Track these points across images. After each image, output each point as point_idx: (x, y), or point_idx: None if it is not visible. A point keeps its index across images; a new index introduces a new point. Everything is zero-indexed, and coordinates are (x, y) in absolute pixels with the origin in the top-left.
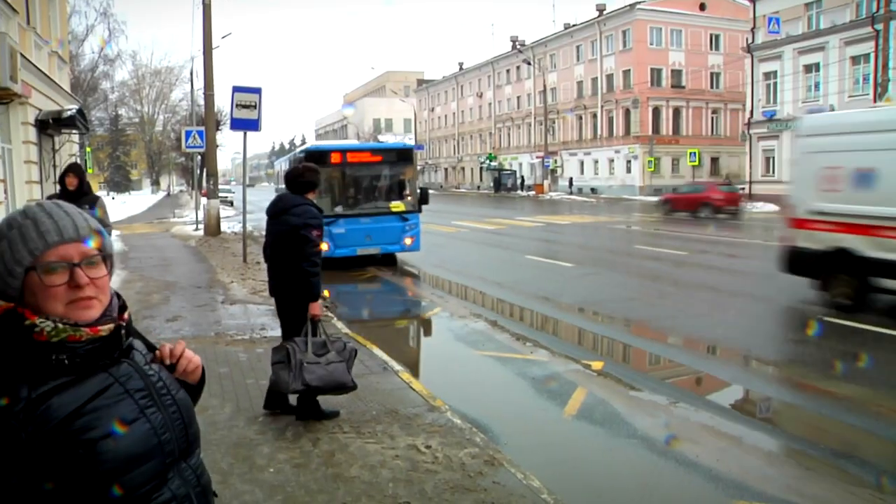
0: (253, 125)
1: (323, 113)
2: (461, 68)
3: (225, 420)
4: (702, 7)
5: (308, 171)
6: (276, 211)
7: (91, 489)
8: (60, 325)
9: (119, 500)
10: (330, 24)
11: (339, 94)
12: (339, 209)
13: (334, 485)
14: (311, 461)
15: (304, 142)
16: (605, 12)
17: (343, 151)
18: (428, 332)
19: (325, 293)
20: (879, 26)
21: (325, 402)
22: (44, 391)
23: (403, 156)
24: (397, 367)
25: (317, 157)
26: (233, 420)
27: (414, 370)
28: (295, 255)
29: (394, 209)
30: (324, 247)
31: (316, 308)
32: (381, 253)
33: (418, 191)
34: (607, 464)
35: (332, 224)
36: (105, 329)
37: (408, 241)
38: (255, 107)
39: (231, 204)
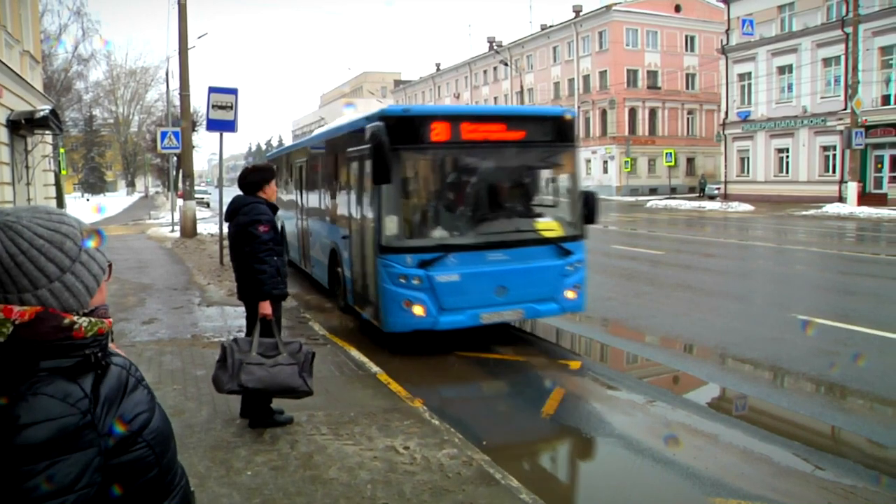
0: (229, 126)
1: (300, 114)
2: (438, 69)
3: (202, 423)
4: (677, 9)
5: (253, 170)
6: (229, 213)
7: (148, 474)
8: (93, 319)
9: (165, 484)
10: (306, 24)
11: (315, 94)
12: (442, 234)
13: (312, 487)
14: (289, 463)
15: (280, 143)
16: (581, 13)
17: (453, 118)
18: None
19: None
20: (849, 29)
21: (301, 404)
22: (92, 387)
23: (560, 130)
24: (374, 368)
25: (399, 129)
26: (210, 423)
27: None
28: (246, 254)
29: (545, 233)
30: (418, 310)
31: (266, 307)
32: (526, 318)
33: (581, 197)
34: (585, 463)
35: (433, 266)
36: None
37: (570, 293)
38: (231, 107)
39: (207, 205)
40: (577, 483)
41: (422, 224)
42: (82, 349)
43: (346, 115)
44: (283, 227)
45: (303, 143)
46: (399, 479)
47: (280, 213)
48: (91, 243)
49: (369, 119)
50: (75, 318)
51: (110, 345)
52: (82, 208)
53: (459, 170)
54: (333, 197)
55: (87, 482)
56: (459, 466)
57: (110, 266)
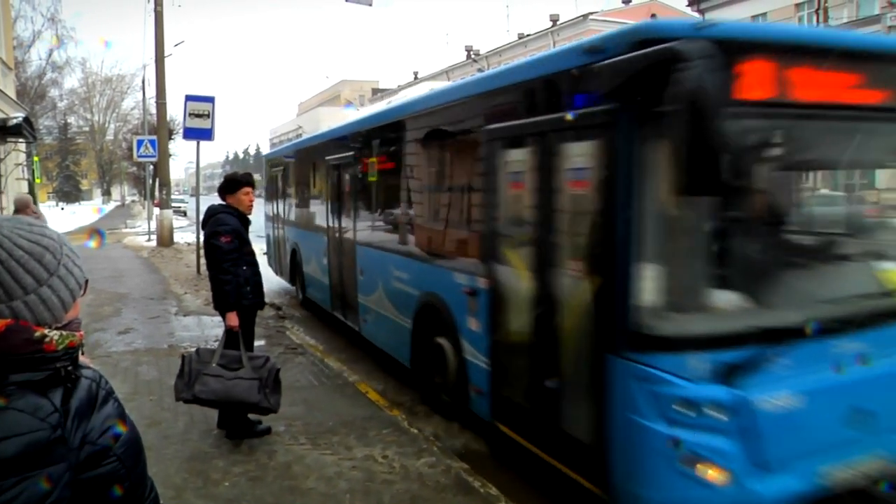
0: (206, 134)
1: (277, 122)
2: (416, 77)
3: (178, 434)
4: (652, 17)
5: (226, 178)
6: (203, 222)
7: (115, 488)
8: (64, 332)
9: (135, 498)
10: (284, 32)
11: (293, 102)
12: (765, 306)
13: (291, 497)
14: (267, 474)
15: (258, 151)
16: (558, 22)
17: (821, 53)
18: None
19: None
20: None
21: (279, 414)
22: (62, 401)
23: None
24: (353, 377)
25: (723, 69)
26: (187, 434)
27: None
28: (210, 265)
29: None
30: (715, 474)
31: (232, 318)
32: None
33: None
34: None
35: (749, 375)
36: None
37: None
38: (208, 116)
39: (184, 214)
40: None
41: (721, 282)
42: (53, 362)
43: (349, 113)
44: (294, 252)
45: (354, 126)
46: (378, 488)
47: (293, 233)
48: (93, 244)
49: (631, 42)
50: (46, 331)
51: (81, 357)
52: (58, 216)
53: (801, 164)
54: (439, 216)
55: (56, 497)
56: (438, 475)
57: (87, 282)
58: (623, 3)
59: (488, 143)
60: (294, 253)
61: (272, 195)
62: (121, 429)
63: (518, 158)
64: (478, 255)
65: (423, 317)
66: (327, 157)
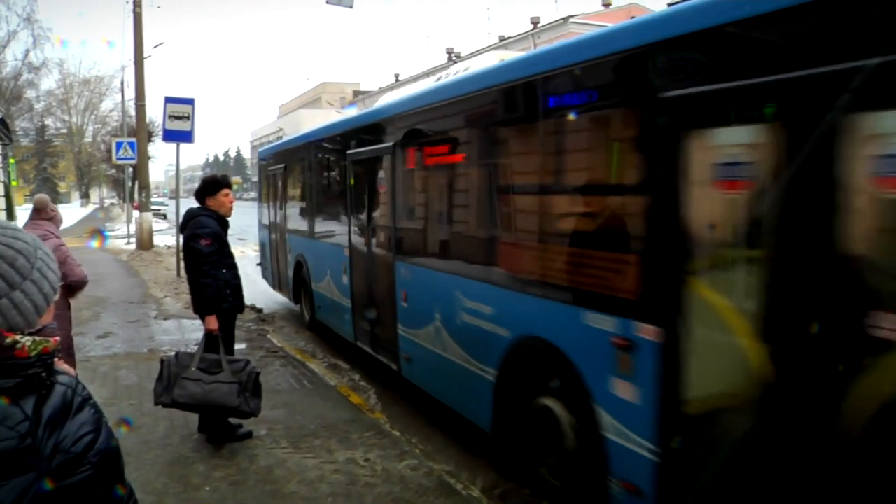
0: (186, 137)
1: (258, 124)
2: (397, 80)
3: (159, 438)
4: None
5: (204, 180)
6: (181, 226)
7: (93, 497)
8: (38, 338)
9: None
10: (265, 34)
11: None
12: None
13: (272, 501)
14: (248, 478)
15: (238, 152)
16: (539, 25)
17: None
18: None
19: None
20: None
21: (261, 418)
22: (34, 408)
23: None
24: (334, 381)
25: None
26: (167, 438)
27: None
28: (189, 269)
29: None
30: None
31: (211, 322)
32: None
33: None
34: None
35: None
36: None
37: None
38: (188, 118)
39: (164, 217)
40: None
41: None
42: (25, 369)
43: (350, 113)
44: (300, 265)
45: (399, 107)
46: (360, 491)
47: (297, 243)
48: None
49: None
50: (18, 336)
51: (56, 362)
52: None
53: None
54: (556, 227)
55: None
56: (420, 478)
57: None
58: (603, 5)
59: (671, 119)
60: (299, 266)
61: (269, 198)
62: (95, 434)
63: (734, 141)
64: (635, 288)
65: (518, 368)
66: (351, 151)
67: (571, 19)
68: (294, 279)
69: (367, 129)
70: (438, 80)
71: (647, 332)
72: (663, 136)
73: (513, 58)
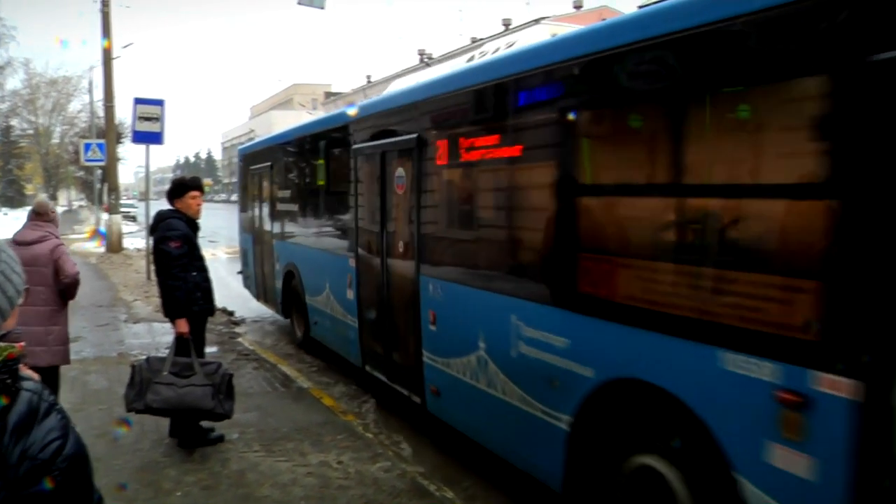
0: (156, 138)
1: (229, 126)
2: (369, 81)
3: (129, 444)
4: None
5: (173, 183)
6: (151, 229)
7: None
8: (2, 344)
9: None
10: (236, 35)
11: (245, 106)
12: None
13: None
14: (220, 482)
15: (209, 154)
16: (510, 26)
17: None
18: None
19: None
20: None
21: (233, 421)
22: (0, 415)
23: None
24: (307, 384)
25: None
26: (137, 443)
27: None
28: (159, 271)
29: None
30: None
31: (182, 325)
32: None
33: None
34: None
35: None
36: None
37: None
38: (157, 119)
39: (134, 219)
40: (506, 488)
41: None
42: None
43: (351, 113)
44: (291, 275)
45: (428, 90)
46: (333, 494)
47: (287, 250)
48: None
49: None
50: None
51: (23, 369)
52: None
53: None
54: (677, 240)
55: None
56: (393, 480)
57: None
58: (574, 7)
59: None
60: (290, 277)
61: (252, 200)
62: (63, 441)
63: None
64: (815, 324)
65: (606, 417)
66: (359, 146)
67: (543, 21)
68: (284, 291)
69: (380, 119)
70: (471, 59)
71: (835, 385)
72: (872, 109)
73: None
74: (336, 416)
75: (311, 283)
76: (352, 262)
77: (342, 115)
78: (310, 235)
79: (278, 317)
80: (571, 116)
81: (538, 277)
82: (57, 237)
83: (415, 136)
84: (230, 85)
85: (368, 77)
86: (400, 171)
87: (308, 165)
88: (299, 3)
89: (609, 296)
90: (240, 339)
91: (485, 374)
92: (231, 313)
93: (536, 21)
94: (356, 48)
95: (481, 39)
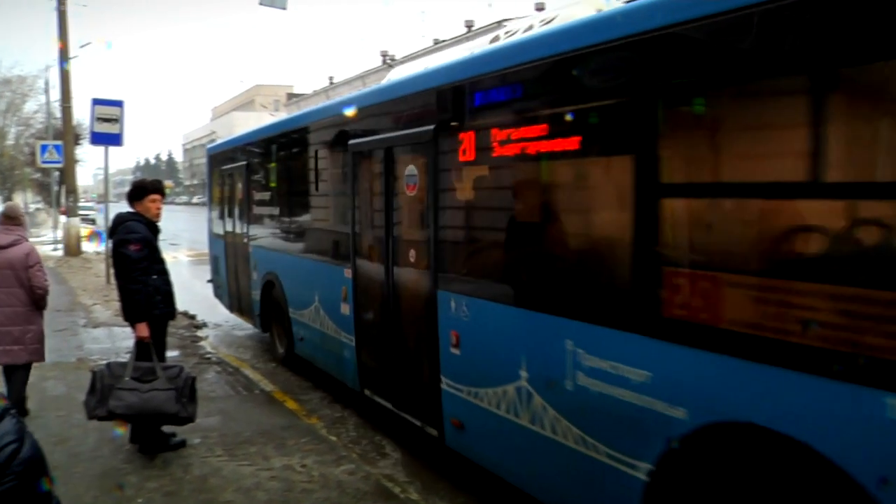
0: (115, 140)
1: (190, 127)
2: (331, 82)
3: (88, 450)
4: None
5: (133, 185)
6: (109, 232)
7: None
8: None
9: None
10: (197, 35)
11: (207, 107)
12: None
13: None
14: (182, 488)
15: (170, 156)
16: (473, 28)
17: None
18: None
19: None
20: None
21: (195, 426)
22: None
23: None
24: (270, 387)
25: None
26: (97, 450)
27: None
28: (119, 275)
29: None
30: None
31: (142, 329)
32: None
33: None
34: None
35: None
36: None
37: None
38: (117, 120)
39: (93, 222)
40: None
41: None
42: None
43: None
44: (271, 285)
45: (454, 71)
46: (297, 497)
47: (267, 258)
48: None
49: None
50: None
51: None
52: None
53: None
54: None
55: None
56: (358, 482)
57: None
58: (536, 9)
59: None
60: (269, 287)
61: (224, 203)
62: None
63: None
64: None
65: (697, 467)
66: (357, 141)
67: (506, 23)
68: (263, 302)
69: (385, 110)
70: (495, 40)
71: None
72: None
73: None
74: (299, 419)
75: (296, 295)
76: (348, 273)
77: (334, 107)
78: (295, 242)
79: (247, 323)
80: (660, 101)
81: (607, 296)
82: (27, 240)
83: (431, 127)
84: (191, 86)
85: (331, 78)
86: (411, 169)
87: (293, 164)
88: (261, 4)
89: (714, 321)
90: (202, 343)
91: (527, 408)
92: (193, 317)
93: (498, 23)
94: (318, 49)
95: (443, 41)
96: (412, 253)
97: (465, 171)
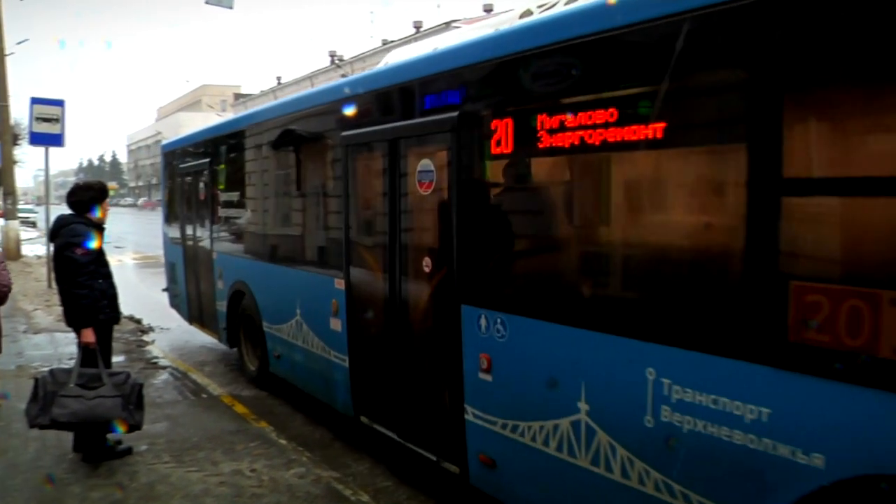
0: (56, 140)
1: (135, 128)
2: (279, 82)
3: (28, 461)
4: None
5: (82, 188)
6: (52, 233)
7: None
8: None
9: None
10: (143, 35)
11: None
12: None
13: None
14: (128, 497)
15: (114, 157)
16: (421, 29)
17: None
18: None
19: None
20: None
21: (141, 433)
22: None
23: None
24: (218, 391)
25: None
26: (38, 461)
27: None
28: (64, 279)
29: None
30: None
31: (88, 335)
32: None
33: None
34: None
35: None
36: None
37: None
38: (57, 120)
39: (34, 225)
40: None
41: None
42: None
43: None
44: (240, 295)
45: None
46: (247, 503)
47: (235, 265)
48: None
49: None
50: None
51: None
52: None
53: None
54: None
55: None
56: (308, 486)
57: None
58: (485, 10)
59: None
60: (238, 297)
61: (182, 205)
62: None
63: None
64: None
65: None
66: (352, 132)
67: (454, 24)
68: (230, 315)
69: (389, 95)
70: (526, 14)
71: None
72: None
73: None
74: (249, 423)
75: (272, 308)
76: (339, 284)
77: (323, 94)
78: (270, 248)
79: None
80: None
81: (708, 317)
82: None
83: (455, 114)
84: (136, 86)
85: (279, 78)
86: (426, 164)
87: (268, 160)
88: (207, 3)
89: (872, 349)
90: (149, 348)
91: (587, 446)
92: (139, 321)
93: (447, 24)
94: (266, 50)
95: (392, 41)
96: (427, 261)
97: (500, 164)
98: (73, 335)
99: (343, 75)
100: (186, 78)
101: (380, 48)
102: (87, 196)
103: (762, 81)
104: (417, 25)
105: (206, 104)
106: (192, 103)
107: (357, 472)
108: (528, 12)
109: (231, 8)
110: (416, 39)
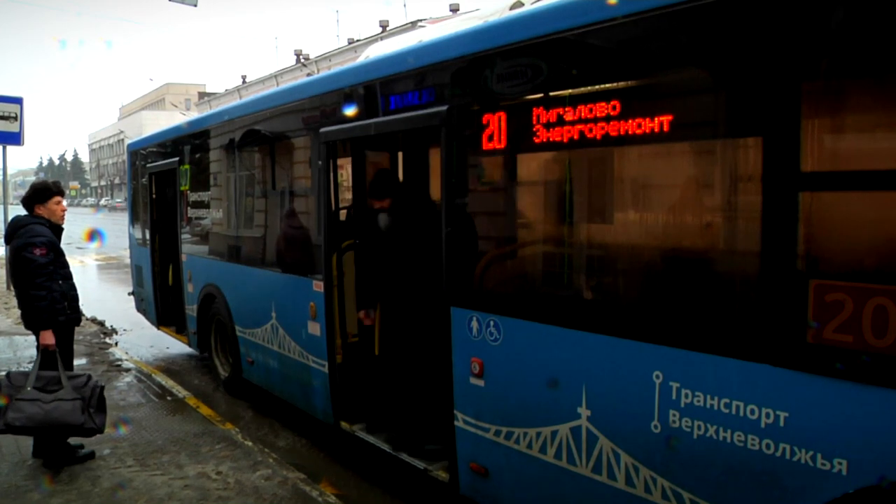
0: (14, 138)
1: (97, 126)
2: (244, 81)
3: None
4: None
5: (33, 187)
6: (7, 235)
7: None
8: None
9: None
10: (105, 33)
11: (114, 106)
12: None
13: None
14: (90, 502)
15: (76, 156)
16: (388, 28)
17: None
18: None
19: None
20: None
21: (104, 436)
22: None
23: None
24: (183, 392)
25: None
26: None
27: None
28: (22, 281)
29: None
30: None
31: (48, 337)
32: None
33: None
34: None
35: None
36: None
37: None
38: (16, 118)
39: None
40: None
41: None
42: None
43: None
44: (211, 299)
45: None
46: None
47: (205, 267)
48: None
49: None
50: None
51: None
52: None
53: None
54: None
55: None
56: (275, 487)
57: None
58: (451, 10)
59: None
60: (209, 301)
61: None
62: None
63: None
64: None
65: None
66: (331, 129)
67: (420, 23)
68: (200, 319)
69: (372, 89)
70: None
71: None
72: None
73: None
74: (214, 425)
75: (245, 311)
76: (318, 286)
77: (299, 90)
78: (242, 250)
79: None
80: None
81: (721, 317)
82: None
83: (444, 108)
84: (98, 84)
85: (244, 77)
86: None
87: (241, 160)
88: (171, 0)
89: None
90: (112, 350)
91: (588, 453)
92: (101, 323)
93: (413, 24)
94: (231, 48)
95: (358, 40)
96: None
97: (492, 160)
98: (33, 338)
99: (308, 74)
100: (150, 76)
101: (346, 47)
102: (31, 194)
103: (780, 71)
104: (384, 24)
105: (170, 103)
106: (155, 102)
107: (328, 475)
108: (519, 3)
109: (195, 5)
110: (381, 39)
